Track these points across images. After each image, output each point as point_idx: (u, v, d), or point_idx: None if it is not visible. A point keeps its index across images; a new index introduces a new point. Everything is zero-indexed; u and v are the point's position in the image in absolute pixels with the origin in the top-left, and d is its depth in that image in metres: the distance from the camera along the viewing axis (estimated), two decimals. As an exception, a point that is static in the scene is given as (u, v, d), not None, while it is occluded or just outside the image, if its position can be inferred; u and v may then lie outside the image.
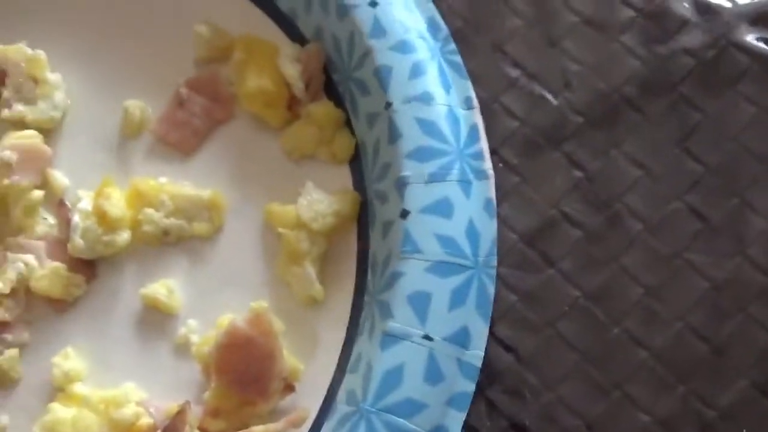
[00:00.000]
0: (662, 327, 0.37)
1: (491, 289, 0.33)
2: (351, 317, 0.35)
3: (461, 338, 0.32)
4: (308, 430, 0.33)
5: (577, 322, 0.37)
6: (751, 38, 0.41)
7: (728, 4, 0.42)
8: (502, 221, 0.38)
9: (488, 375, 0.36)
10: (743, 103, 0.40)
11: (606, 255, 0.38)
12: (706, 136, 0.40)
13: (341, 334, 0.35)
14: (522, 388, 0.36)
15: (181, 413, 0.33)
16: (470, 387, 0.32)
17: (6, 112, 0.41)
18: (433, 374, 0.31)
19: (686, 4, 0.42)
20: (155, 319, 0.37)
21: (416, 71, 0.36)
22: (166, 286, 0.37)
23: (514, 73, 0.41)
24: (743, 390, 0.36)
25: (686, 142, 0.40)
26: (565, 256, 0.38)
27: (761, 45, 0.41)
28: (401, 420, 0.31)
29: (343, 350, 0.35)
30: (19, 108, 0.41)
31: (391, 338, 0.32)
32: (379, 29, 0.37)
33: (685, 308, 0.37)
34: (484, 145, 0.36)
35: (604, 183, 0.39)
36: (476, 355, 0.32)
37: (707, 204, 0.39)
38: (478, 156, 0.35)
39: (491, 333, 0.36)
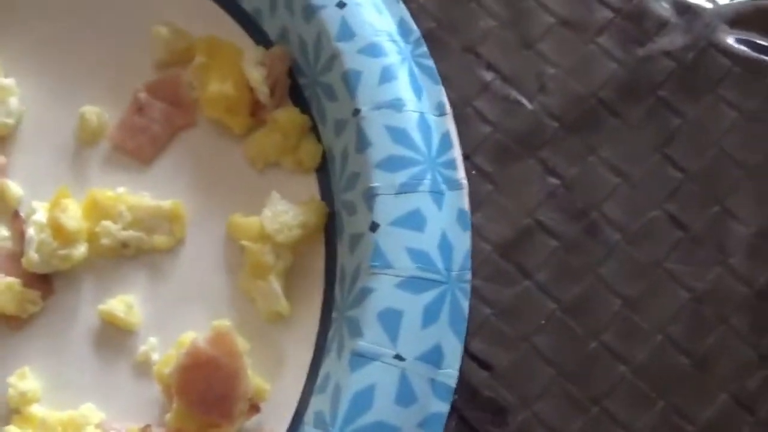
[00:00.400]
0: (641, 340, 0.36)
1: (465, 305, 0.32)
2: (319, 334, 0.34)
3: (434, 357, 0.31)
4: (274, 453, 0.32)
5: (554, 335, 0.36)
6: (731, 40, 0.41)
7: (708, 5, 0.41)
8: (476, 231, 0.37)
9: (462, 391, 0.35)
10: (724, 108, 0.40)
11: (583, 265, 0.37)
12: (686, 142, 0.39)
13: (309, 352, 0.34)
14: (497, 405, 0.35)
15: None
16: (444, 408, 0.31)
17: (-44, 119, 0.39)
18: (405, 396, 0.30)
19: (665, 4, 0.41)
20: (114, 336, 0.36)
21: (386, 76, 0.35)
22: (124, 302, 0.36)
23: (488, 76, 0.40)
24: (724, 404, 0.35)
25: (666, 147, 0.39)
26: (540, 267, 0.37)
27: (742, 47, 0.41)
28: (371, 445, 0.30)
29: (310, 369, 0.34)
30: (-30, 114, 0.39)
31: (360, 358, 0.30)
32: (347, 31, 0.35)
33: (665, 320, 0.36)
34: (457, 153, 0.34)
35: (581, 191, 0.38)
36: (450, 374, 0.31)
37: (687, 212, 0.38)
38: (451, 165, 0.34)
39: (465, 348, 0.35)
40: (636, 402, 0.35)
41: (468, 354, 0.35)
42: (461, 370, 0.34)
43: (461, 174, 0.34)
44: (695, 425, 0.35)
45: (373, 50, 0.35)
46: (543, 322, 0.36)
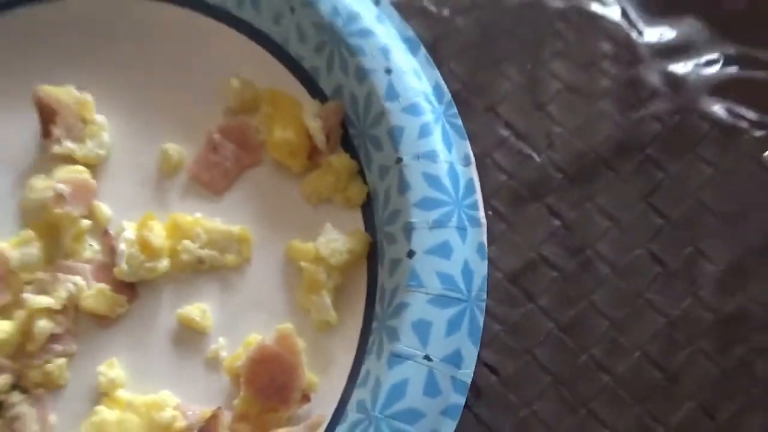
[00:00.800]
0: (623, 356, 0.47)
1: (481, 319, 0.43)
2: (360, 339, 0.45)
3: (455, 359, 0.42)
4: (323, 433, 0.43)
5: (551, 349, 0.47)
6: (710, 106, 0.52)
7: (692, 75, 0.53)
8: (490, 262, 0.48)
9: (475, 392, 0.46)
10: (701, 165, 0.51)
11: (578, 293, 0.48)
12: (667, 193, 0.50)
13: (352, 354, 0.45)
14: (503, 404, 0.46)
15: (215, 417, 0.43)
16: (461, 400, 0.42)
17: (57, 148, 0.50)
18: (432, 389, 0.41)
19: (656, 75, 0.53)
20: (189, 336, 0.47)
21: (424, 132, 0.46)
22: (199, 308, 0.47)
23: (505, 132, 0.51)
24: (691, 411, 0.46)
25: (651, 197, 0.50)
26: (542, 293, 0.48)
27: (719, 113, 0.52)
28: (404, 425, 0.40)
29: (353, 368, 0.44)
30: (69, 145, 0.50)
31: (397, 358, 0.41)
32: (393, 93, 0.46)
33: (644, 340, 0.47)
34: (478, 197, 0.45)
35: (579, 232, 0.49)
36: (467, 373, 0.42)
37: (666, 252, 0.49)
38: (474, 206, 0.45)
39: (478, 356, 0.46)
40: (616, 406, 0.46)
41: (481, 361, 0.46)
42: (474, 374, 0.45)
43: (482, 214, 0.45)
44: (665, 427, 0.46)
45: (413, 110, 0.46)
46: (542, 338, 0.47)
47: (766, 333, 0.47)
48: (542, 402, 0.46)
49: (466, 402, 0.43)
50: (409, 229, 0.44)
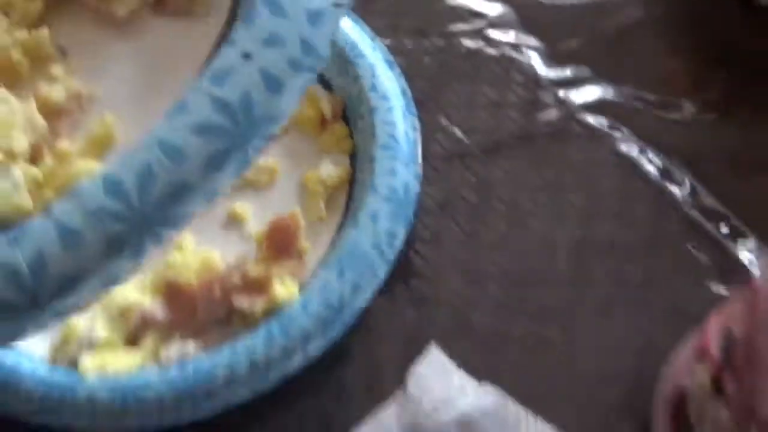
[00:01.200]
0: (508, 256, 0.76)
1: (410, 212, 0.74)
2: (338, 228, 0.76)
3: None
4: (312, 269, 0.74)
5: (459, 246, 0.77)
6: (584, 118, 0.83)
7: (575, 99, 0.84)
8: (427, 195, 0.79)
9: (411, 271, 0.76)
10: (573, 151, 0.81)
11: (479, 215, 0.78)
12: (549, 166, 0.80)
13: (332, 234, 0.76)
14: (427, 278, 0.76)
15: (244, 257, 0.74)
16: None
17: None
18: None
19: (551, 96, 0.85)
20: (234, 223, 0.78)
21: (390, 111, 0.78)
22: (242, 207, 0.79)
23: (445, 122, 0.84)
24: (552, 298, 0.75)
25: (537, 168, 0.80)
26: (457, 214, 0.78)
27: (589, 121, 0.83)
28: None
29: (330, 242, 0.76)
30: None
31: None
32: (374, 88, 0.79)
33: (523, 249, 0.77)
34: (419, 150, 0.77)
35: (485, 181, 0.80)
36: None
37: (542, 196, 0.78)
38: (415, 154, 0.77)
39: (416, 250, 0.76)
40: (500, 284, 0.75)
41: (416, 253, 0.77)
42: (411, 259, 0.76)
43: (419, 159, 0.77)
44: (536, 306, 0.75)
45: (385, 98, 0.77)
46: (454, 240, 0.77)
47: (609, 256, 0.76)
48: (451, 276, 0.75)
49: (404, 278, 0.74)
50: (372, 161, 0.76)
